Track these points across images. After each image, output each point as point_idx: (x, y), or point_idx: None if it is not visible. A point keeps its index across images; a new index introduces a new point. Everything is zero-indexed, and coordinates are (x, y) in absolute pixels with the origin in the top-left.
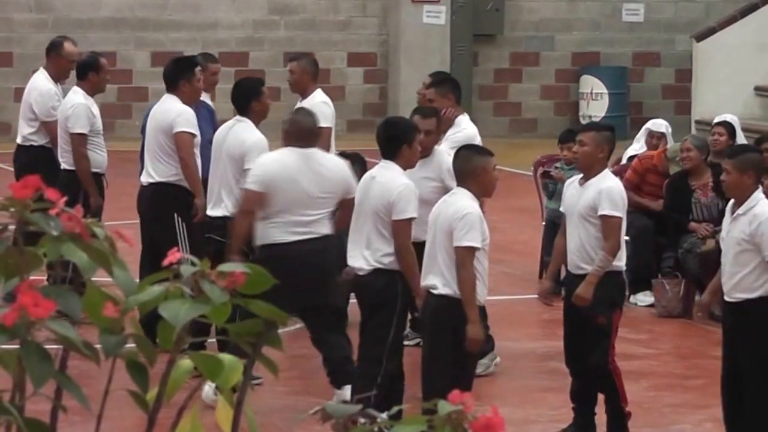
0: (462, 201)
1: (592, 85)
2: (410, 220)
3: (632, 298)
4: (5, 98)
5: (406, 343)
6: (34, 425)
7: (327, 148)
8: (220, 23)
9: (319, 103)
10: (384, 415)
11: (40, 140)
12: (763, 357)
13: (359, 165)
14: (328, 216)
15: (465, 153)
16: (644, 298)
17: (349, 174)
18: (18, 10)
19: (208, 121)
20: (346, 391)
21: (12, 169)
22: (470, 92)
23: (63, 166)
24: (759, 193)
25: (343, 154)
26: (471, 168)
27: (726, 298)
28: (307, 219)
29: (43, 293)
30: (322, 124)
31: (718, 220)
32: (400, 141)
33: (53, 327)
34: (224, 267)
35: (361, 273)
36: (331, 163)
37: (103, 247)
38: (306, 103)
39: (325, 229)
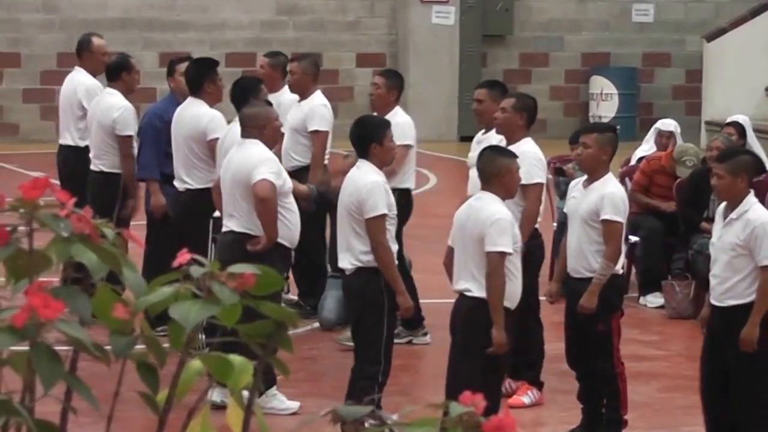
0: (491, 206)
1: (601, 85)
2: (382, 216)
3: (642, 300)
4: (13, 99)
5: (396, 341)
6: (43, 427)
7: (323, 150)
8: (227, 24)
9: (318, 105)
10: (395, 417)
11: (87, 139)
12: (755, 361)
13: None
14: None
15: (489, 154)
16: (654, 300)
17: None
18: (25, 10)
19: None
20: None
21: (19, 170)
22: None
23: (100, 168)
24: (751, 197)
25: (348, 158)
26: (495, 169)
27: (715, 303)
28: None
29: (53, 294)
30: (320, 128)
31: None
32: (369, 139)
33: (63, 328)
34: (234, 268)
35: (347, 273)
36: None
37: (113, 248)
38: (305, 105)
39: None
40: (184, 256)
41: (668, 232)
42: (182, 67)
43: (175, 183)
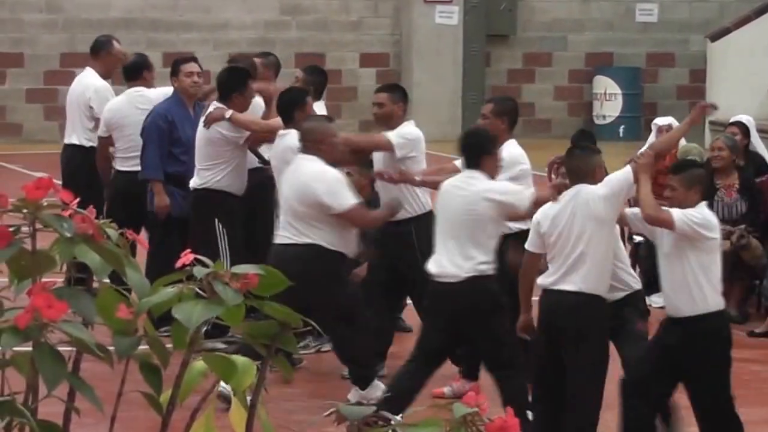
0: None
1: (605, 85)
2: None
3: (647, 300)
4: (17, 99)
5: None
6: (47, 427)
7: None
8: (231, 24)
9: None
10: (399, 417)
11: (95, 141)
12: (718, 368)
13: (366, 168)
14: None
15: (580, 154)
16: (659, 300)
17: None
18: (28, 10)
19: None
20: (363, 392)
21: (22, 170)
22: (483, 93)
23: (135, 168)
24: (702, 208)
25: None
26: (590, 167)
27: (674, 315)
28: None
29: (57, 295)
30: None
31: (736, 221)
32: (482, 150)
33: (66, 329)
34: (237, 269)
35: (454, 281)
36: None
37: (117, 248)
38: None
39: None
40: (187, 257)
41: None
42: (186, 67)
43: (190, 183)
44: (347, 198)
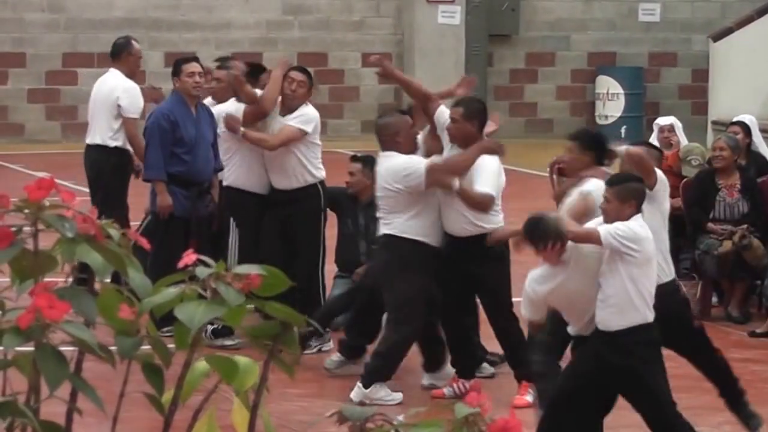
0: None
1: (608, 85)
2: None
3: None
4: (19, 99)
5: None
6: (49, 427)
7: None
8: (233, 23)
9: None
10: (401, 418)
11: (121, 141)
12: (654, 378)
13: (370, 167)
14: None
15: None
16: None
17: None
18: (30, 10)
19: (208, 123)
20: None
21: (23, 170)
22: (485, 93)
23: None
24: (633, 221)
25: (355, 158)
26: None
27: (602, 328)
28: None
29: (59, 295)
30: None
31: (738, 221)
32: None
33: (68, 329)
34: (240, 269)
35: None
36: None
37: (118, 248)
38: (216, 109)
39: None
40: (189, 257)
41: (675, 233)
42: (188, 67)
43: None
44: (419, 164)
